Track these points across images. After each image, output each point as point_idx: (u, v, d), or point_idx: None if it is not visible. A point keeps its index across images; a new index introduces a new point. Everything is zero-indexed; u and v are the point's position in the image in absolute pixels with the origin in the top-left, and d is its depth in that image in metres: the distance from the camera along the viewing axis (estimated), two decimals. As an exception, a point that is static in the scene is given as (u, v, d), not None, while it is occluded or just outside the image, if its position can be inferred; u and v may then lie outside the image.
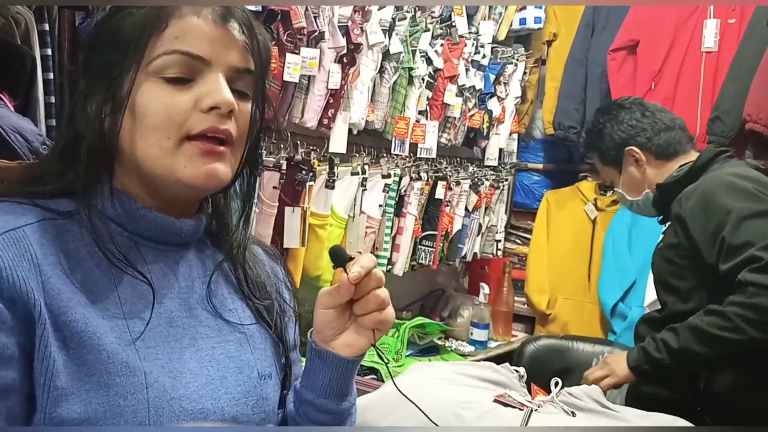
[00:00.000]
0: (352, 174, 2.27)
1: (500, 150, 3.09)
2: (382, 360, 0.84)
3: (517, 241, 3.36)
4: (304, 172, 2.02)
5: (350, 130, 2.21)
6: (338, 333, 0.81)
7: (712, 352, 1.56)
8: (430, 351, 2.56)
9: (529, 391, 1.50)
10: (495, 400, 1.39)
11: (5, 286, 0.65)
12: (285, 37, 1.88)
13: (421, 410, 0.94)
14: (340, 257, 0.80)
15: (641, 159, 1.85)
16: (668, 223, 1.82)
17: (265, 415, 0.81)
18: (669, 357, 1.60)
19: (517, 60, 3.02)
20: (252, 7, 1.71)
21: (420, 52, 2.42)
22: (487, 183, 3.05)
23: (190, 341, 0.76)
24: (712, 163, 1.78)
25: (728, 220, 1.57)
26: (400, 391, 0.90)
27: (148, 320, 0.74)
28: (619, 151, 1.88)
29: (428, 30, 2.44)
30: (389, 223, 2.44)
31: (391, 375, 1.00)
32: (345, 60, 2.08)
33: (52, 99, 1.41)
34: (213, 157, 0.73)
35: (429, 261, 2.68)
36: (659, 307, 1.83)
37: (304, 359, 0.89)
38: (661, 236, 1.87)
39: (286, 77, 1.89)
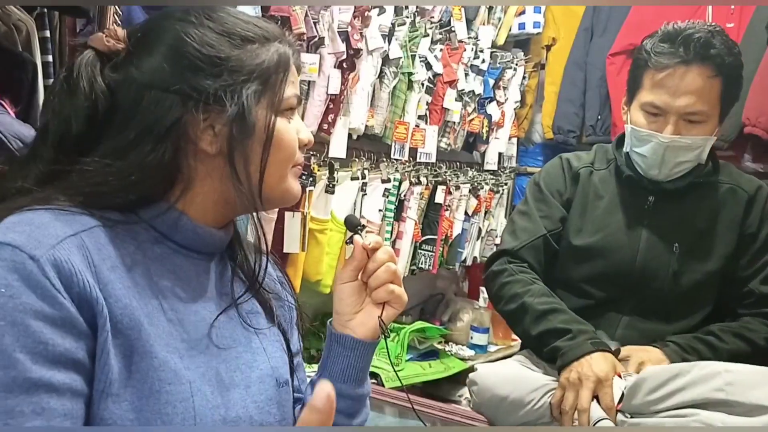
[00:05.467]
0: (352, 179, 2.27)
1: (500, 154, 3.09)
2: (385, 335, 0.88)
3: (517, 245, 3.36)
4: (303, 177, 2.02)
5: (350, 135, 2.22)
6: (355, 312, 0.89)
7: None
8: (431, 355, 2.55)
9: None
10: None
11: (76, 291, 0.66)
12: (285, 43, 1.88)
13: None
14: (352, 223, 0.90)
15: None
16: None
17: (285, 421, 0.84)
18: None
19: (517, 64, 3.03)
20: (252, 13, 1.72)
21: (419, 57, 2.43)
22: (487, 187, 3.06)
23: (220, 350, 0.78)
24: None
25: None
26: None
27: (195, 328, 0.76)
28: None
29: (427, 35, 2.45)
30: (389, 228, 2.45)
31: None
32: (345, 65, 2.09)
33: (53, 105, 1.42)
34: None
35: (429, 265, 2.68)
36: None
37: (306, 365, 0.92)
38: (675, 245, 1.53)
39: (286, 83, 1.90)
